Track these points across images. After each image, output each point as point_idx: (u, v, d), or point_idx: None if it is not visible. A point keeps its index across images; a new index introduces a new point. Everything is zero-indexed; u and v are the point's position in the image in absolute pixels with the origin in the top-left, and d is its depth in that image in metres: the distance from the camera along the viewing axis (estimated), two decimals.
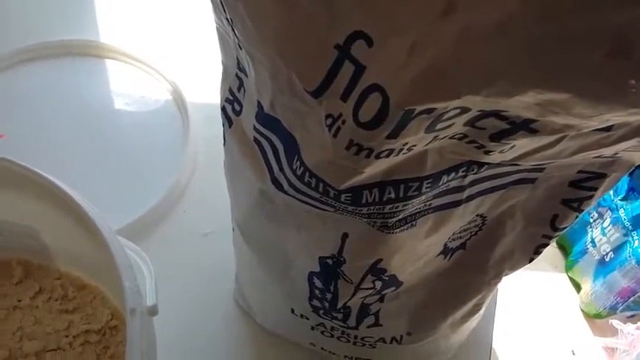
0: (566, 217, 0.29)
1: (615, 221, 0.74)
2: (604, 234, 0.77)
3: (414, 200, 0.26)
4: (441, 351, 0.39)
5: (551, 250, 0.94)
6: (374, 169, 0.23)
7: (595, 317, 0.83)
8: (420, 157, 0.24)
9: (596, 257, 0.80)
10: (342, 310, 0.34)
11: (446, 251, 0.31)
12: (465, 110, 0.20)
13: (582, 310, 0.85)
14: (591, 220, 0.81)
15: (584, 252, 0.83)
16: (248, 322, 0.44)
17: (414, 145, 0.22)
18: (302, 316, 0.36)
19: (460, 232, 0.31)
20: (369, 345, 0.37)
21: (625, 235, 0.74)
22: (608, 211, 0.76)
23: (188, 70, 0.60)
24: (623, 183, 0.74)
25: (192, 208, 0.51)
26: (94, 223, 0.31)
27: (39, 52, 0.60)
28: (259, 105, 0.26)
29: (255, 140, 0.28)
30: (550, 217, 0.30)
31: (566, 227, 0.30)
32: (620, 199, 0.73)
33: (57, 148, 0.53)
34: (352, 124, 0.21)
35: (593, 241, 0.80)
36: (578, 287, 0.87)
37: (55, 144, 0.53)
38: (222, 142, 0.32)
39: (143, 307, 0.29)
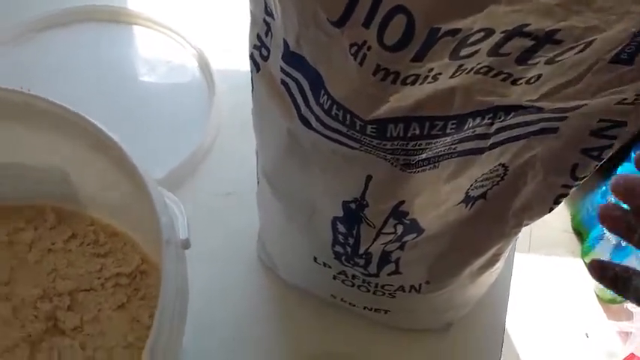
0: (586, 166, 0.30)
1: None
2: None
3: (437, 140, 0.27)
4: (458, 304, 0.40)
5: (568, 236, 0.94)
6: (400, 100, 0.24)
7: (609, 302, 0.84)
8: (447, 94, 0.25)
9: (613, 242, 0.81)
10: (363, 256, 0.35)
11: (467, 200, 0.32)
12: (489, 33, 0.21)
13: (597, 295, 0.86)
14: None
15: (601, 237, 0.83)
16: (271, 278, 0.46)
17: (440, 74, 0.23)
18: (324, 264, 0.38)
19: (482, 181, 0.32)
20: (389, 294, 0.38)
21: None
22: None
23: (214, 37, 0.61)
24: None
25: (214, 169, 0.53)
26: (131, 161, 0.32)
27: (65, 17, 0.61)
28: (285, 44, 0.27)
29: (282, 82, 0.29)
30: (570, 166, 0.30)
31: (586, 177, 0.31)
32: None
33: (82, 112, 0.54)
34: (378, 49, 0.22)
35: None
36: None
37: (80, 109, 0.54)
38: (250, 90, 0.34)
39: (177, 240, 0.31)
